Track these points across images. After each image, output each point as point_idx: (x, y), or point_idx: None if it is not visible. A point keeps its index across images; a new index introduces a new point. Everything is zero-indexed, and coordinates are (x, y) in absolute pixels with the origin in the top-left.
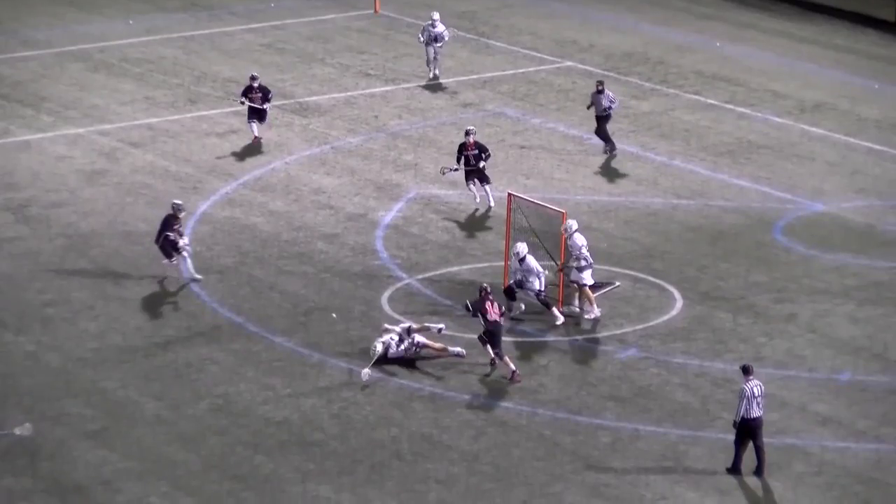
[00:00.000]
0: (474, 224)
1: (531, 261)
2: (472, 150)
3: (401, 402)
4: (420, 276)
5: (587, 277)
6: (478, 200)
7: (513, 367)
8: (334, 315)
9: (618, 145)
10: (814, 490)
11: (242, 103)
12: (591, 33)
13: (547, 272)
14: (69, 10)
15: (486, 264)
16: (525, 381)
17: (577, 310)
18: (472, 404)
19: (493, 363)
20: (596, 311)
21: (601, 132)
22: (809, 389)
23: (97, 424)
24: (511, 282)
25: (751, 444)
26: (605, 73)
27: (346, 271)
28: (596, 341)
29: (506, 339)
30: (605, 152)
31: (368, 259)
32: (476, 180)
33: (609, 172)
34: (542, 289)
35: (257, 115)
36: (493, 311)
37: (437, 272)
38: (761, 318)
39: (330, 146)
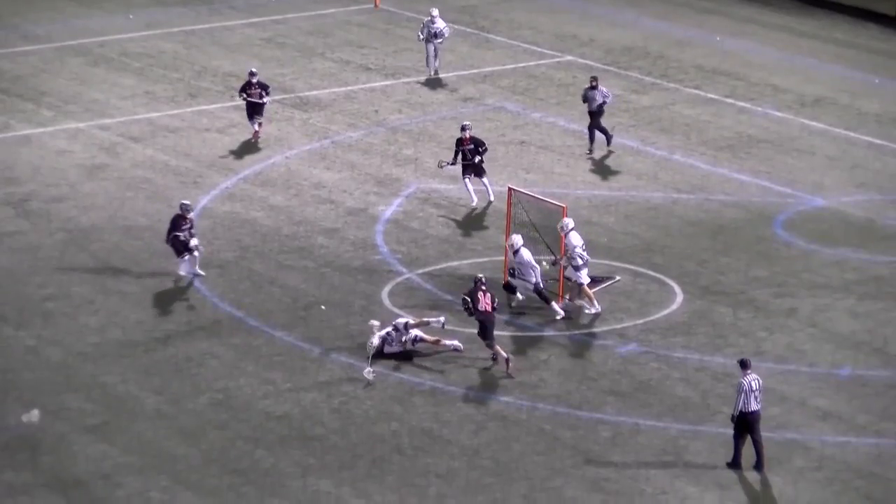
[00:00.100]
0: (474, 219)
1: (525, 253)
2: (468, 144)
3: (401, 396)
4: (420, 271)
5: (583, 276)
6: (474, 199)
7: (505, 355)
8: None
9: (618, 140)
10: (814, 485)
11: (244, 99)
12: (591, 28)
13: (546, 265)
14: (69, 4)
15: (486, 259)
16: (525, 375)
17: (578, 304)
18: (472, 399)
19: (494, 358)
20: (596, 307)
21: (595, 127)
22: (810, 384)
23: (97, 419)
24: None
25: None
26: (606, 67)
27: (346, 266)
28: (596, 336)
29: (505, 333)
30: (590, 151)
31: (369, 254)
32: (473, 175)
33: (609, 167)
34: (538, 280)
35: (256, 110)
36: (485, 302)
37: (438, 267)
38: (761, 313)
39: (330, 141)
